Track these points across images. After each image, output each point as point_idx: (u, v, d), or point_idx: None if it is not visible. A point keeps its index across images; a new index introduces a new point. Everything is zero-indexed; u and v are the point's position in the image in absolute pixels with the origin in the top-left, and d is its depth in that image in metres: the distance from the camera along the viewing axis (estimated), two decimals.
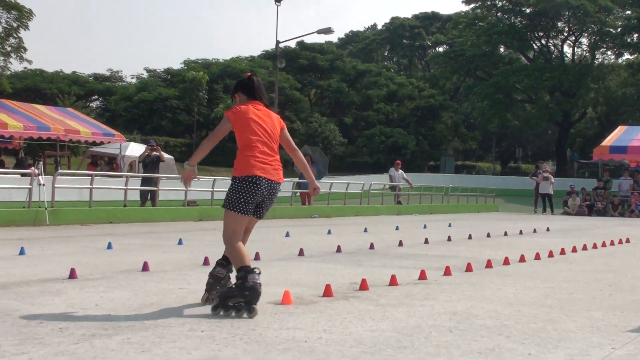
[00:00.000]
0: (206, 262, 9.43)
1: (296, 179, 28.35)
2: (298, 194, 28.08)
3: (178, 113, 71.07)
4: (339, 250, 11.75)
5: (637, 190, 34.42)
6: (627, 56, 75.31)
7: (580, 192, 35.12)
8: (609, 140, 38.44)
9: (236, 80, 6.70)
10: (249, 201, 5.99)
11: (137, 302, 6.30)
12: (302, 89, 79.99)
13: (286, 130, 6.53)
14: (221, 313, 5.77)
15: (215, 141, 6.15)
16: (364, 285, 7.37)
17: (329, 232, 16.34)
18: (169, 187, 26.63)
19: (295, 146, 6.59)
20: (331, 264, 9.81)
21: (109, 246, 11.55)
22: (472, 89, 74.88)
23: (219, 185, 23.96)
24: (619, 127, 41.72)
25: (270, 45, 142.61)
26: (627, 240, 15.62)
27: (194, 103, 66.37)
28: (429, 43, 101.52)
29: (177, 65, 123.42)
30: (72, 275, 7.88)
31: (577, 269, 9.82)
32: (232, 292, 5.81)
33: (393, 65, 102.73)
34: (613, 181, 36.79)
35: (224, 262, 6.22)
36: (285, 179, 36.19)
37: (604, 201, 34.02)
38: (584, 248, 13.20)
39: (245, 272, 5.82)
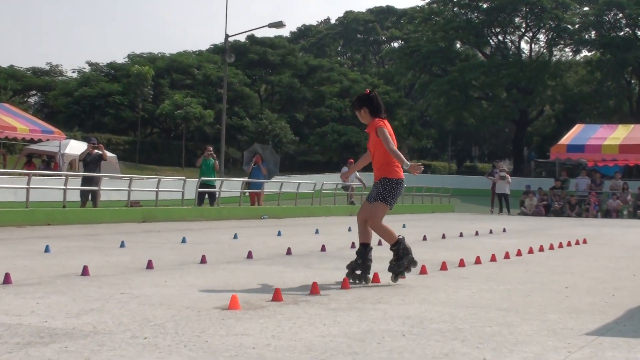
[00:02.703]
0: (150, 265, 9.35)
1: (245, 179, 28.26)
2: (247, 194, 28.00)
3: (122, 109, 70.34)
4: (289, 252, 11.74)
5: (595, 190, 35.00)
6: (584, 53, 76.54)
7: (537, 191, 35.59)
8: (566, 139, 39.04)
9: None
10: (397, 197, 8.40)
11: (76, 308, 6.21)
12: (252, 85, 79.81)
13: None
14: (399, 280, 8.37)
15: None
16: (314, 289, 7.36)
17: (279, 234, 16.32)
18: (111, 187, 26.36)
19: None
20: (281, 267, 9.79)
21: (47, 249, 11.38)
22: (427, 85, 75.43)
23: (165, 185, 23.79)
24: (577, 126, 42.41)
25: (219, 39, 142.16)
26: (584, 241, 15.86)
27: (139, 99, 65.74)
28: (383, 38, 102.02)
29: (121, 59, 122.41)
30: (7, 280, 7.74)
31: (534, 271, 9.94)
32: (400, 262, 8.34)
33: (347, 61, 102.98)
34: (570, 181, 37.39)
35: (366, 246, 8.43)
36: (234, 179, 35.92)
37: (561, 201, 34.53)
38: (541, 249, 13.37)
39: (400, 243, 8.38)
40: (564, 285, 8.43)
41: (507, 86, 72.23)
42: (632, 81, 74.48)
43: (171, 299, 6.82)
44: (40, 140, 33.65)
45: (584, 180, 35.80)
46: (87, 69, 79.68)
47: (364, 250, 8.38)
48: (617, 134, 38.65)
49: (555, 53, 78.01)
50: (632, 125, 41.50)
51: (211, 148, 26.79)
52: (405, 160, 8.11)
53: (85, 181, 22.68)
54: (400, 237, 8.45)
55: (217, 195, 26.33)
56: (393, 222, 23.39)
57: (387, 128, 8.37)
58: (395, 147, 8.14)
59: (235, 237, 15.04)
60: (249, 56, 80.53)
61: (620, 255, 12.95)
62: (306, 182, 34.98)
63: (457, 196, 45.64)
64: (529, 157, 76.52)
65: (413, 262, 8.41)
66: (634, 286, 8.59)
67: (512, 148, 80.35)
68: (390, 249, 8.44)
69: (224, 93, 48.66)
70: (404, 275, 8.46)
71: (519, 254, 12.23)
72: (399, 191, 8.35)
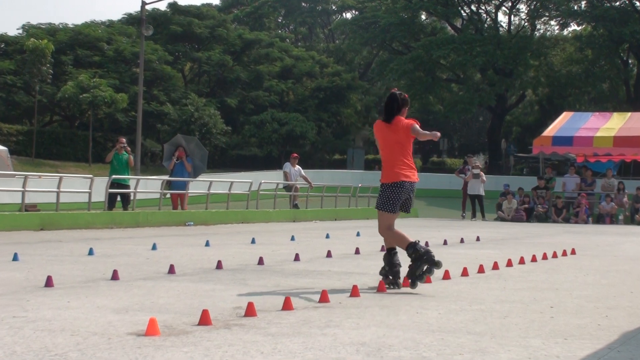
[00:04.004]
0: (49, 283, 9.25)
1: (166, 177, 28.05)
2: (168, 195, 27.83)
3: (14, 92, 69.34)
4: (219, 266, 11.72)
5: (585, 191, 35.41)
6: (573, 27, 77.34)
7: (517, 192, 35.91)
8: (552, 130, 39.47)
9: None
10: (396, 200, 9.82)
11: None
12: (175, 63, 79.27)
13: None
14: (418, 285, 9.50)
15: None
16: (250, 311, 7.36)
17: (207, 244, 16.25)
18: (1, 187, 26.02)
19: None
20: (209, 284, 9.77)
21: None
22: (387, 65, 75.62)
23: (68, 184, 23.56)
24: (564, 114, 42.90)
25: (134, 8, 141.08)
26: (573, 252, 16.05)
27: (35, 80, 64.83)
28: (333, 7, 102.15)
29: (13, 30, 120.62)
30: None
31: (513, 287, 10.05)
32: (417, 266, 9.49)
33: (289, 35, 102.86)
34: (556, 179, 37.72)
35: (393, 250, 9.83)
36: (153, 177, 35.74)
37: (545, 204, 34.90)
38: (521, 261, 13.50)
39: (413, 246, 9.55)
40: (548, 305, 8.54)
41: (481, 66, 72.73)
42: (629, 61, 75.40)
43: (75, 323, 6.76)
44: None
45: (573, 179, 36.20)
46: None
47: (389, 255, 9.82)
48: (612, 124, 39.18)
49: (538, 27, 78.82)
50: (629, 114, 42.05)
51: (124, 140, 26.57)
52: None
53: None
54: (415, 241, 9.71)
55: (131, 197, 26.13)
56: (343, 230, 23.48)
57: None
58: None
59: (153, 247, 14.94)
60: (170, 28, 80.00)
61: (614, 269, 13.14)
62: (240, 182, 34.87)
63: (422, 198, 45.85)
64: (507, 151, 77.11)
65: (435, 264, 9.52)
66: (631, 305, 8.73)
67: (487, 140, 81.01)
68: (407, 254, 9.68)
69: (140, 73, 48.35)
70: (427, 277, 9.69)
71: (495, 267, 12.34)
72: (395, 194, 9.78)
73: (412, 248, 9.57)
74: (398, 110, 9.93)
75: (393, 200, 9.78)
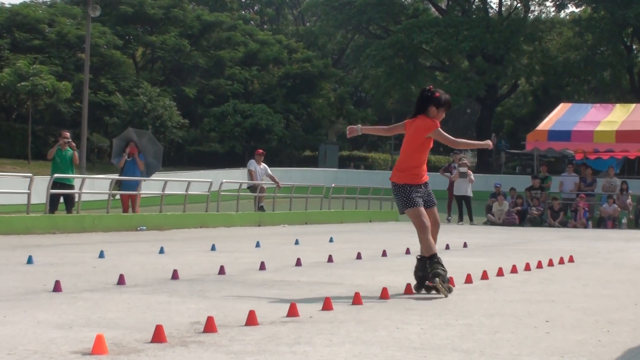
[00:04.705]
0: None
1: (115, 176, 27.93)
2: (118, 196, 27.71)
3: None
4: (175, 276, 11.70)
5: (585, 191, 35.52)
6: (571, 9, 77.87)
7: (508, 193, 36.00)
8: (548, 123, 39.51)
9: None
10: (402, 199, 10.67)
11: None
12: (125, 48, 78.99)
13: None
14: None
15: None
16: (210, 326, 7.34)
17: (162, 251, 16.21)
18: None
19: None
20: (164, 296, 9.76)
21: None
22: (363, 50, 75.78)
23: (3, 184, 23.43)
24: (561, 105, 42.94)
25: None
26: (571, 259, 16.09)
27: None
28: None
29: None
30: None
31: (504, 299, 10.07)
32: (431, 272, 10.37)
33: (254, 17, 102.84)
34: (552, 178, 37.83)
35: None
36: (100, 176, 35.57)
37: (540, 206, 35.01)
38: (513, 270, 13.52)
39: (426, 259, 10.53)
40: (543, 319, 8.56)
41: (469, 52, 73.01)
42: (634, 46, 75.78)
43: (13, 341, 6.72)
44: None
45: (571, 179, 36.32)
46: None
47: (431, 260, 10.43)
48: (614, 117, 39.26)
49: (532, 8, 79.19)
50: (633, 105, 42.06)
51: (68, 134, 26.43)
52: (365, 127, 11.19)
53: None
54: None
55: (76, 199, 26.01)
56: (314, 236, 23.43)
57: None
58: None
59: (101, 255, 14.88)
60: (120, 9, 79.75)
61: (617, 279, 13.19)
62: (199, 181, 34.78)
63: None
64: (498, 147, 77.39)
65: (440, 277, 10.29)
66: (635, 319, 8.76)
67: (475, 135, 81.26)
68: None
69: (85, 59, 48.12)
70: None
71: (484, 276, 12.36)
72: (399, 194, 10.65)
73: (426, 260, 10.53)
74: (423, 109, 10.64)
75: (398, 198, 10.72)
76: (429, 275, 10.32)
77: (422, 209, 10.56)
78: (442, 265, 10.38)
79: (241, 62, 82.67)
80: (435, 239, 10.74)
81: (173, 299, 9.53)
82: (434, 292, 10.32)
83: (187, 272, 12.42)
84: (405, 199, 10.57)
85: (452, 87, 72.31)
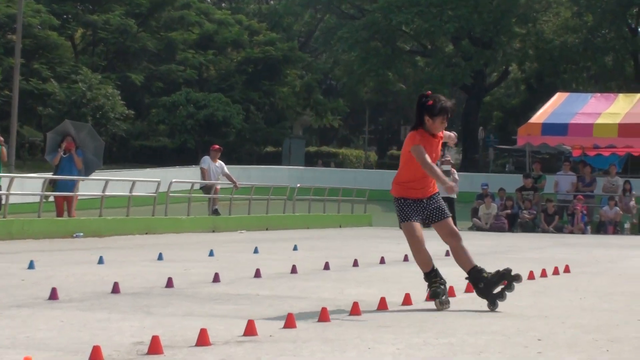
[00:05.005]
0: None
1: (49, 175, 27.82)
2: (51, 198, 27.61)
3: None
4: (116, 289, 11.66)
5: (583, 192, 35.66)
6: None
7: (497, 194, 36.13)
8: (542, 115, 39.68)
9: None
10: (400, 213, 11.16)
11: None
12: (62, 28, 78.78)
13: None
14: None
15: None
16: (155, 347, 7.31)
17: (101, 261, 16.16)
18: None
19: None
20: (103, 313, 9.74)
21: None
22: (334, 32, 75.87)
23: None
24: (557, 95, 43.14)
25: None
26: (567, 269, 16.16)
27: None
28: None
29: None
30: None
31: (491, 315, 10.13)
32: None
33: None
34: (547, 178, 37.96)
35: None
36: (32, 175, 35.44)
37: (532, 209, 35.15)
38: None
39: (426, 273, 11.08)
40: (534, 337, 8.58)
41: (454, 35, 73.20)
42: (639, 29, 76.14)
43: None
44: None
45: (567, 178, 36.47)
46: None
47: (474, 272, 11.06)
48: (616, 108, 39.45)
49: None
50: (638, 95, 42.24)
51: None
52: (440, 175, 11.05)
53: None
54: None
55: (2, 201, 25.92)
56: (276, 243, 23.44)
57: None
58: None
59: (31, 266, 14.83)
60: None
61: (618, 290, 13.27)
62: (145, 181, 34.71)
63: (377, 201, 46.02)
64: (486, 142, 77.64)
65: (439, 297, 10.66)
66: (639, 337, 8.79)
67: (461, 128, 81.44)
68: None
69: (17, 41, 47.92)
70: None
71: (469, 289, 12.37)
72: (396, 208, 11.21)
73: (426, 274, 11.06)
74: (419, 118, 10.81)
75: (398, 212, 11.19)
76: (429, 294, 10.85)
77: (416, 224, 10.96)
78: (441, 279, 10.84)
79: (195, 45, 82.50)
80: (460, 251, 11.21)
81: (113, 316, 9.51)
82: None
83: (130, 285, 12.40)
84: (400, 212, 11.03)
85: (435, 74, 72.60)
